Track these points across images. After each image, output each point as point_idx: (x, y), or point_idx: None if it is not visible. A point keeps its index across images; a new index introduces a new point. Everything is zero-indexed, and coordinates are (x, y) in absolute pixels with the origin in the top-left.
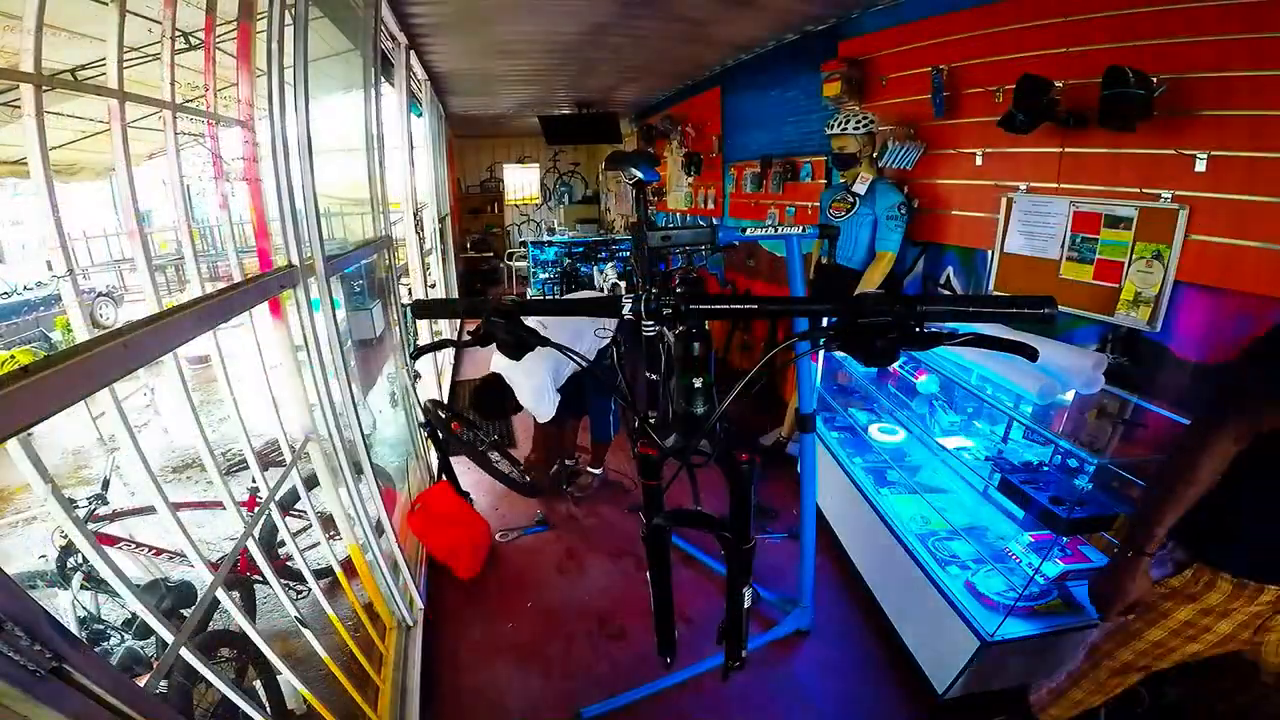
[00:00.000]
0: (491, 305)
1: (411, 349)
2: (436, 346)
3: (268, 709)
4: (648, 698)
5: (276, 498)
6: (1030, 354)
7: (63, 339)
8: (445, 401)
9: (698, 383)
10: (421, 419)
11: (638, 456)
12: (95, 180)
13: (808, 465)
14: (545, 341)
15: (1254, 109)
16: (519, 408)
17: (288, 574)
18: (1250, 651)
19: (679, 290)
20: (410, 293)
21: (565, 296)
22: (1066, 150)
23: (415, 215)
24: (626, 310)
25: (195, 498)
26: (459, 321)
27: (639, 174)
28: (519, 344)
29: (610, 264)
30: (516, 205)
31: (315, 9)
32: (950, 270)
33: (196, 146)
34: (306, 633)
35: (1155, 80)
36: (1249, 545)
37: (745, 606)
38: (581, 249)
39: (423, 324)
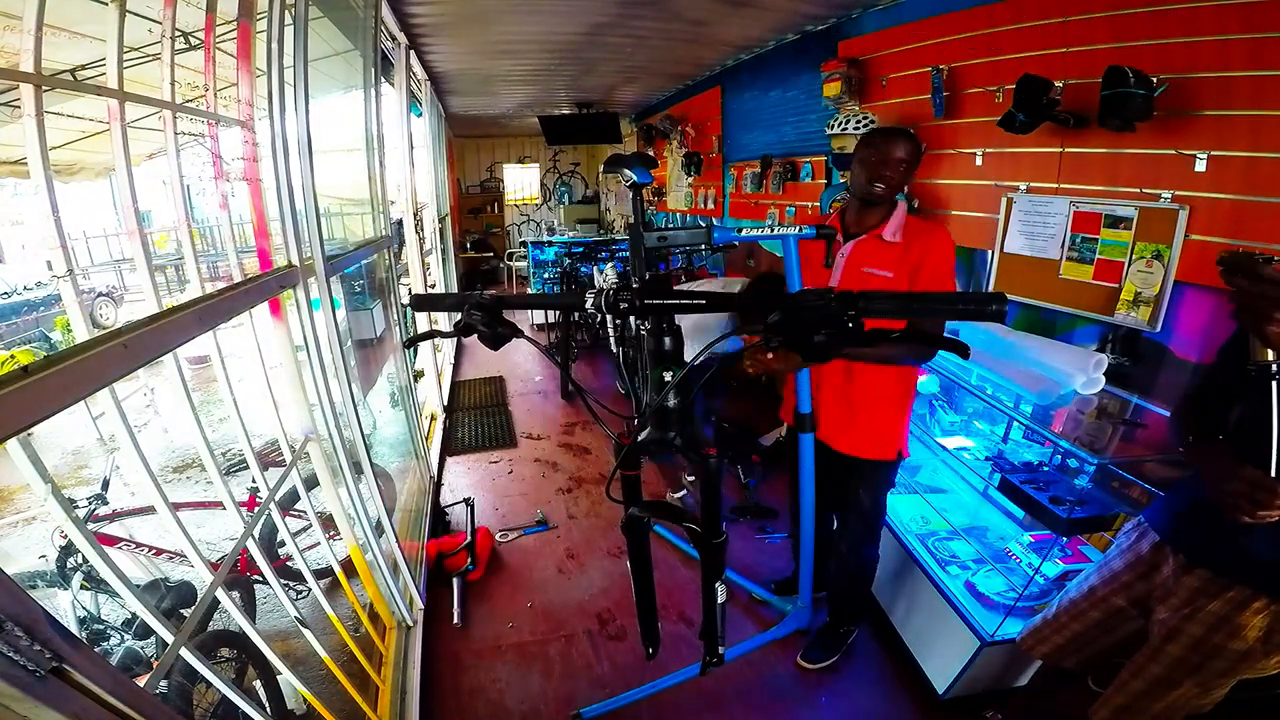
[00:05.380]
0: (473, 299)
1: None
2: (426, 336)
3: (268, 709)
4: (648, 698)
5: (276, 498)
6: (962, 351)
7: (63, 339)
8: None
9: (668, 375)
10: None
11: (615, 446)
12: (95, 180)
13: (806, 465)
14: (521, 333)
15: (1254, 109)
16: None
17: (288, 574)
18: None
19: (635, 285)
20: (410, 293)
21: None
22: (1066, 150)
23: (415, 215)
24: (589, 305)
25: (195, 498)
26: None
27: (633, 176)
28: (496, 337)
29: (610, 264)
30: (516, 205)
31: (315, 9)
32: None
33: (196, 146)
34: (306, 633)
35: (1155, 80)
36: None
37: (720, 602)
38: (581, 249)
39: (422, 320)
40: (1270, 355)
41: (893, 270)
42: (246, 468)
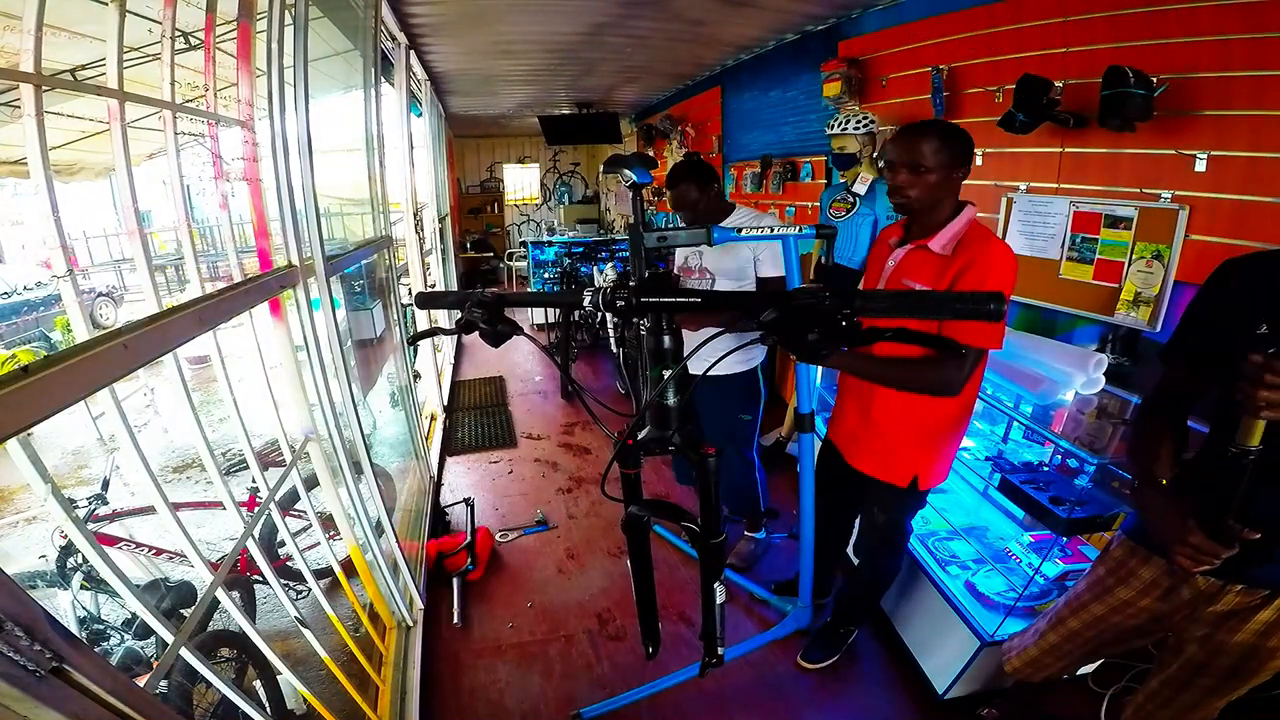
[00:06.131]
0: (475, 297)
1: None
2: (428, 334)
3: (268, 709)
4: (648, 698)
5: (276, 498)
6: (954, 349)
7: (63, 339)
8: None
9: (667, 374)
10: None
11: (615, 444)
12: (95, 180)
13: (807, 465)
14: (521, 330)
15: (1254, 109)
16: None
17: (288, 574)
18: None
19: (632, 284)
20: (410, 292)
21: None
22: (1066, 150)
23: (415, 215)
24: (587, 302)
25: (195, 498)
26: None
27: (633, 176)
28: (497, 334)
29: (610, 264)
30: (516, 205)
31: (315, 9)
32: None
33: (196, 146)
34: (306, 633)
35: (1155, 80)
36: None
37: (719, 602)
38: (581, 249)
39: (423, 320)
40: (1256, 441)
41: (929, 285)
42: (246, 468)
